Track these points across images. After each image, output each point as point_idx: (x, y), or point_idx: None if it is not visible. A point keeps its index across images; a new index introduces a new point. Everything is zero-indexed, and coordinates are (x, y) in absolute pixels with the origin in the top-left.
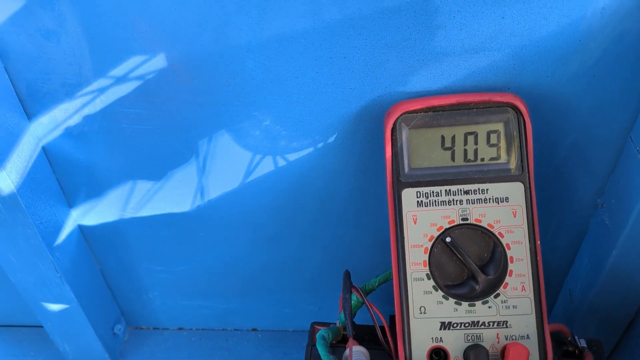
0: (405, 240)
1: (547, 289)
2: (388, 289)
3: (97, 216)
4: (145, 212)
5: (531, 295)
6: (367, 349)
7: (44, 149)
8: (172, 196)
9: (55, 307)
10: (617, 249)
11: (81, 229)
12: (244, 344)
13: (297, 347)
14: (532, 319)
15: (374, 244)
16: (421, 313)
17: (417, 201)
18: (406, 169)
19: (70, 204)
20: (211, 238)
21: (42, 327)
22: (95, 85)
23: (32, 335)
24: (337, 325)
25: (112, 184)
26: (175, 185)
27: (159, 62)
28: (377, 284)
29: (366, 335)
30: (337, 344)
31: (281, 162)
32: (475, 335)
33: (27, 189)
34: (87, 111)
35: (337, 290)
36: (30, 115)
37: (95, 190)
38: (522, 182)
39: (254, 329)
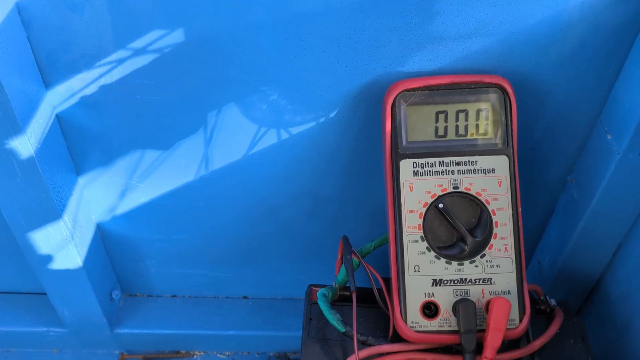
0: (402, 206)
1: None
2: (380, 257)
3: (103, 185)
4: (150, 182)
5: (512, 256)
6: (364, 307)
7: (57, 117)
8: (178, 166)
9: (60, 271)
10: (584, 221)
11: (87, 197)
12: (235, 311)
13: (286, 314)
14: (513, 277)
15: (368, 214)
16: (415, 271)
17: (414, 171)
18: (404, 142)
19: (79, 171)
20: (211, 208)
21: (43, 294)
22: (113, 56)
23: (33, 302)
24: (335, 285)
25: (120, 153)
26: (181, 155)
27: (176, 37)
28: (372, 247)
29: (362, 296)
30: (334, 303)
31: (284, 135)
32: (463, 290)
33: (43, 154)
34: (103, 81)
35: (328, 261)
36: (47, 84)
37: (103, 159)
38: (507, 155)
39: (244, 297)
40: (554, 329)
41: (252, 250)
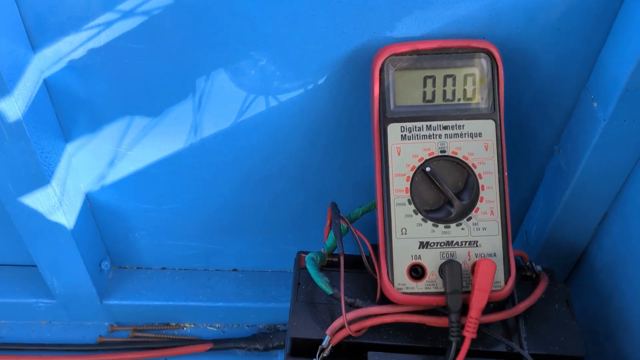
0: (389, 169)
1: None
2: (369, 224)
3: (91, 152)
4: (139, 149)
5: (499, 219)
6: (352, 272)
7: (45, 81)
8: (167, 134)
9: (49, 239)
10: (570, 190)
11: (75, 165)
12: (225, 283)
13: (276, 286)
14: (498, 240)
15: (356, 183)
16: (402, 234)
17: (401, 135)
18: (392, 106)
19: (67, 138)
20: (200, 176)
21: (33, 266)
22: (101, 19)
23: (22, 273)
24: (323, 251)
25: (108, 119)
26: (170, 123)
27: (165, 0)
28: (361, 213)
29: (350, 262)
30: (323, 268)
31: (273, 102)
32: (449, 253)
33: (31, 119)
34: (91, 45)
35: (317, 232)
36: (35, 47)
37: (91, 125)
38: (493, 119)
39: (234, 269)
40: (538, 292)
41: (241, 221)
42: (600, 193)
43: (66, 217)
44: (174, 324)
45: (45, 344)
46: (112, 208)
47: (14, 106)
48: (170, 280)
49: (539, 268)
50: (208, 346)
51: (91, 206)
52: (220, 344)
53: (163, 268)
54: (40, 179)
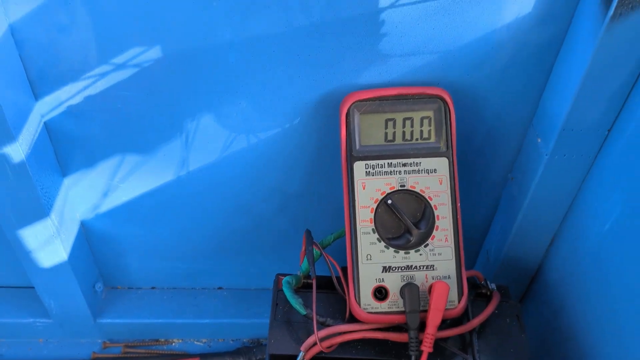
0: (356, 202)
1: (469, 253)
2: (340, 248)
3: (87, 185)
4: (131, 182)
5: (452, 245)
6: (325, 292)
7: (45, 124)
8: (156, 168)
9: (47, 265)
10: (522, 214)
11: (72, 197)
12: (211, 300)
13: (259, 303)
14: (452, 264)
15: (330, 210)
16: (367, 259)
17: (366, 171)
18: (357, 146)
19: (64, 173)
20: (188, 205)
21: (31, 287)
22: (97, 71)
23: (20, 295)
24: (299, 274)
25: (103, 156)
26: (160, 158)
27: (154, 54)
28: (332, 239)
29: (323, 283)
30: (298, 290)
31: (253, 139)
32: (409, 276)
33: (33, 159)
34: (87, 92)
35: (296, 253)
36: (37, 95)
37: (87, 162)
38: (447, 157)
39: (220, 288)
40: (490, 308)
41: (226, 244)
42: (548, 217)
43: (63, 244)
44: (163, 340)
45: None
46: (105, 234)
47: (18, 150)
48: (159, 299)
49: (493, 286)
50: None
51: (86, 232)
52: (207, 357)
53: (152, 287)
54: (40, 211)
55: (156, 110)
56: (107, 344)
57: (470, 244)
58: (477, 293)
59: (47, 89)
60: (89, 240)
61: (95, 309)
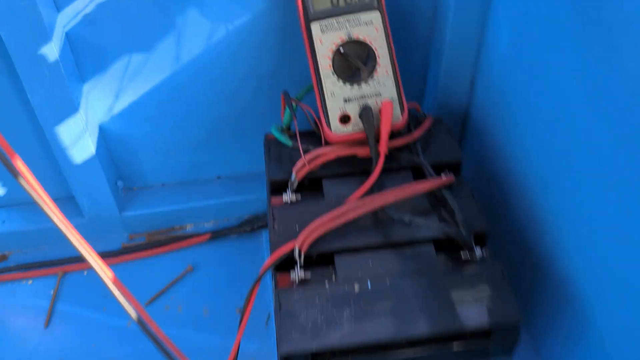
0: (317, 54)
1: (411, 92)
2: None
3: (102, 89)
4: (136, 82)
5: (392, 76)
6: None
7: (67, 34)
8: (157, 66)
9: (79, 160)
10: (444, 58)
11: (91, 101)
12: (213, 187)
13: (254, 185)
14: (393, 89)
15: (299, 78)
16: (332, 95)
17: (321, 29)
18: (312, 11)
19: (83, 79)
20: (183, 98)
21: (69, 197)
22: None
23: (60, 205)
24: (282, 126)
25: (114, 60)
26: (159, 57)
27: None
28: (304, 93)
29: (301, 133)
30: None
31: (230, 27)
32: (364, 103)
33: (64, 60)
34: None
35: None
36: (59, 7)
37: (101, 66)
38: (379, 10)
39: (219, 177)
40: (427, 123)
41: (218, 132)
42: (464, 57)
43: (92, 140)
44: (178, 226)
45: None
46: (119, 135)
47: (53, 50)
48: (170, 192)
49: (428, 113)
50: (208, 236)
51: (103, 136)
52: (217, 232)
53: (162, 184)
54: (72, 107)
55: (154, 11)
56: (132, 235)
57: (413, 93)
58: (416, 119)
59: (67, 1)
60: (107, 143)
61: (120, 204)
